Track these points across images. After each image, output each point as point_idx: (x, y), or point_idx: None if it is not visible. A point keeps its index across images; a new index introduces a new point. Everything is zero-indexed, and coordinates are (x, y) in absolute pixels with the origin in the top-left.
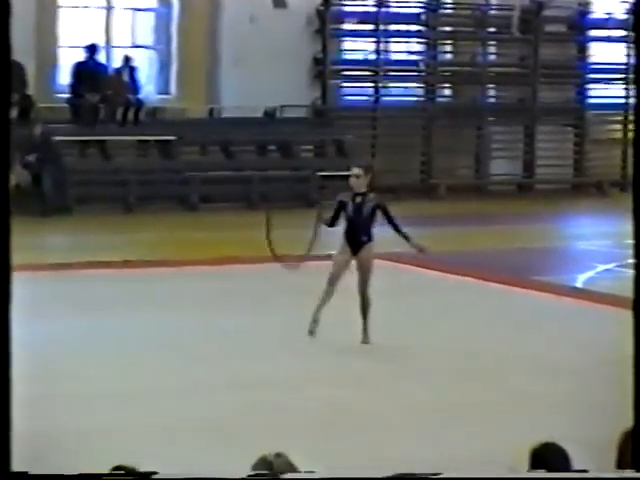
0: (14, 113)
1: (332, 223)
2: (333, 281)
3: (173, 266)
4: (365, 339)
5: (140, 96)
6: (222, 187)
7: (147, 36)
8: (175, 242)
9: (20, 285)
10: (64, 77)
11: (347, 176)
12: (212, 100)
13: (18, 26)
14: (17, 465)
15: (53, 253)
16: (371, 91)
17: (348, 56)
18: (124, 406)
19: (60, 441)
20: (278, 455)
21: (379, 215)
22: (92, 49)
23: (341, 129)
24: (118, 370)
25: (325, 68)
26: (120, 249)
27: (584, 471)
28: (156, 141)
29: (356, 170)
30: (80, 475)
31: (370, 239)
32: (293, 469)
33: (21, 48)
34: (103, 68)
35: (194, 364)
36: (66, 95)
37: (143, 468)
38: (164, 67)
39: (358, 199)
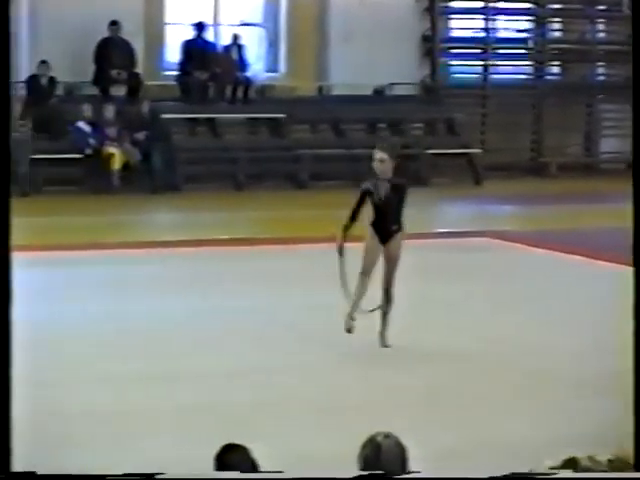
0: (123, 91)
1: (354, 216)
2: (367, 270)
3: (281, 244)
4: (384, 342)
5: (248, 74)
6: (332, 165)
7: (256, 14)
8: (284, 220)
9: (129, 262)
10: (172, 55)
11: (457, 154)
12: (321, 78)
13: (127, 5)
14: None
15: (162, 231)
16: (480, 69)
17: (457, 33)
18: (239, 384)
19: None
20: (387, 436)
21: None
22: (200, 27)
23: (451, 107)
24: (232, 348)
25: (434, 45)
26: (229, 227)
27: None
28: (266, 119)
29: (379, 154)
30: (81, 475)
31: (400, 228)
32: (402, 450)
33: (130, 26)
34: (212, 46)
35: (306, 343)
36: (175, 73)
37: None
38: (273, 45)
39: (384, 186)
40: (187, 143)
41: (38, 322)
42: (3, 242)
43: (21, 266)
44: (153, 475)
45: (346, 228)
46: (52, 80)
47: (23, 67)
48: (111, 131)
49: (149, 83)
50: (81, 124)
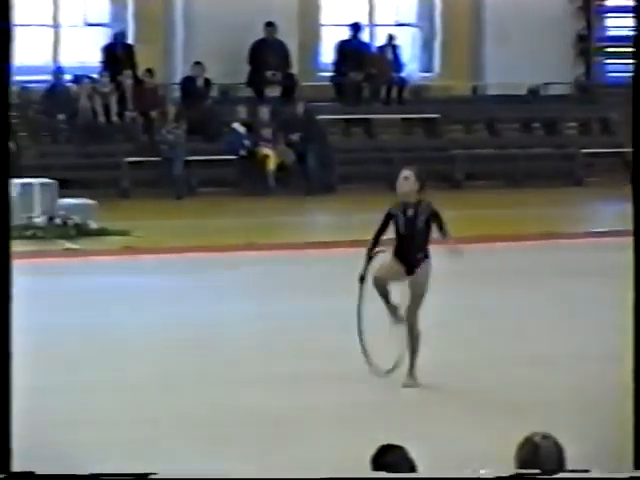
0: (278, 92)
1: (376, 241)
2: (379, 282)
3: (433, 244)
4: (409, 381)
5: (403, 74)
6: (486, 165)
7: (410, 14)
8: None
9: (284, 263)
10: (327, 55)
11: (612, 153)
12: (475, 77)
13: (281, 6)
14: None
15: (317, 232)
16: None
17: (612, 32)
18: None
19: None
20: (545, 437)
21: (434, 225)
22: (356, 27)
23: (606, 106)
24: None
25: (589, 45)
26: None
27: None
28: (420, 119)
29: (405, 172)
30: (80, 475)
31: (426, 256)
32: (560, 452)
33: (284, 27)
34: (367, 47)
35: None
36: (329, 73)
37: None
38: (427, 45)
39: (410, 211)
40: (342, 144)
41: (196, 323)
42: (3, 246)
43: (178, 268)
44: (146, 475)
45: (369, 256)
46: (207, 82)
47: (178, 69)
48: (266, 132)
49: (304, 84)
50: (236, 125)
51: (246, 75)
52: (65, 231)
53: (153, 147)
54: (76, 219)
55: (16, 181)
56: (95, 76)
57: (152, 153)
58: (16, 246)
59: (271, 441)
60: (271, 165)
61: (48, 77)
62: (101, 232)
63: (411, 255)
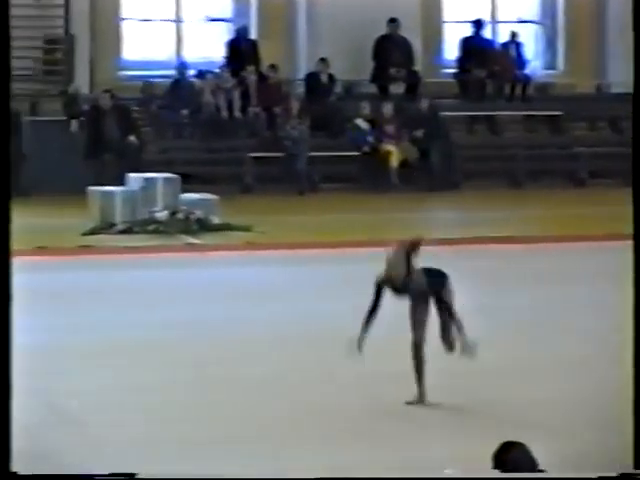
0: (401, 89)
1: (373, 311)
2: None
3: (559, 242)
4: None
5: (527, 71)
6: (611, 163)
7: (533, 10)
8: (561, 218)
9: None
10: (450, 52)
11: None
12: (599, 75)
13: (405, 3)
14: None
15: (440, 228)
16: None
17: None
18: (512, 381)
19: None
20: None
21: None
22: (478, 24)
23: None
24: (505, 345)
25: None
26: (506, 225)
27: None
28: (544, 116)
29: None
30: (80, 475)
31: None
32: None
33: (407, 25)
34: (490, 43)
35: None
36: (452, 70)
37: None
38: (551, 42)
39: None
40: (465, 140)
41: (317, 318)
42: (3, 245)
43: (300, 264)
44: (133, 475)
45: (367, 323)
46: (331, 78)
47: (302, 65)
48: (389, 129)
49: (427, 80)
50: (359, 121)
51: (370, 71)
52: (187, 226)
53: (276, 143)
54: (198, 214)
55: (139, 175)
56: (218, 71)
57: (275, 149)
58: (138, 240)
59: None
60: (394, 161)
61: (172, 72)
62: (223, 227)
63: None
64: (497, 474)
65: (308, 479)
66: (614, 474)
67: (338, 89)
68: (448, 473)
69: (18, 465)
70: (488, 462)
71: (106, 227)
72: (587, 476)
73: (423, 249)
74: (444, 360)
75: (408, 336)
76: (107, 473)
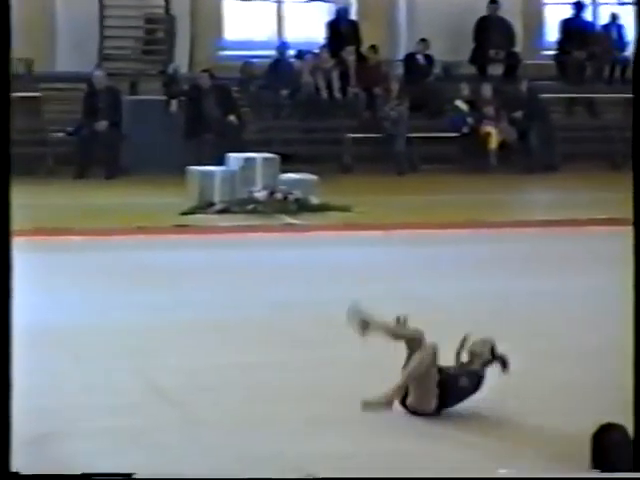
0: (500, 70)
1: None
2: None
3: None
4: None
5: (626, 54)
6: None
7: None
8: None
9: (505, 241)
10: (550, 34)
11: None
12: None
13: None
14: None
15: (537, 210)
16: None
17: None
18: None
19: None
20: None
21: None
22: (579, 6)
23: None
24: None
25: None
26: (605, 207)
27: None
28: None
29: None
30: (79, 475)
31: None
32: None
33: (508, 6)
34: (590, 25)
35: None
36: (552, 52)
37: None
38: None
39: None
40: (564, 122)
41: (417, 298)
42: (3, 232)
43: (399, 244)
44: (130, 475)
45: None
46: (430, 58)
47: (401, 45)
48: (489, 110)
49: (527, 62)
50: (459, 102)
51: (469, 52)
52: (286, 206)
53: (376, 123)
54: (297, 194)
55: (239, 155)
56: (318, 52)
57: (374, 129)
58: (237, 220)
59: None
60: (493, 143)
61: (272, 52)
62: (322, 207)
63: None
64: (506, 474)
65: (328, 479)
66: (614, 475)
67: (437, 70)
68: (502, 473)
69: (116, 443)
70: None
71: (205, 207)
72: (588, 476)
73: (522, 231)
74: None
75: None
76: (107, 472)
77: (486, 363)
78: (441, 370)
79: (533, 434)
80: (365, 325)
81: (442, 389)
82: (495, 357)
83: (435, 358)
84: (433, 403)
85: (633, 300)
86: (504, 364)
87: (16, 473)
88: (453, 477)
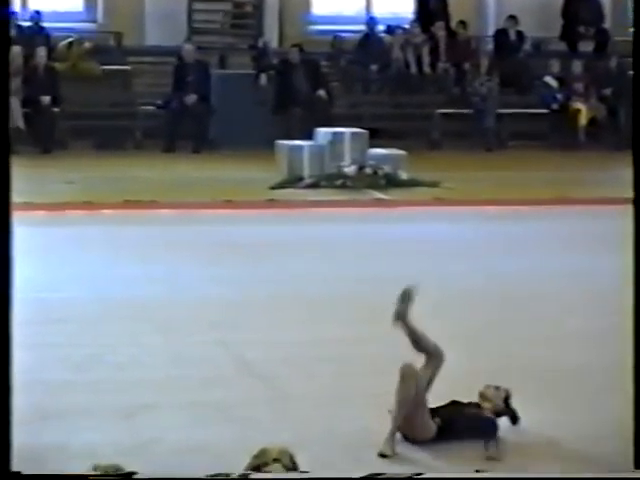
0: (590, 46)
1: None
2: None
3: None
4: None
5: None
6: None
7: None
8: None
9: (594, 217)
10: None
11: None
12: None
13: None
14: None
15: (625, 187)
16: None
17: None
18: None
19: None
20: None
21: None
22: None
23: None
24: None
25: None
26: None
27: None
28: None
29: None
30: (80, 475)
31: None
32: None
33: None
34: None
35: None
36: None
37: None
38: None
39: None
40: None
41: (503, 275)
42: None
43: (488, 220)
44: (131, 474)
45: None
46: (520, 35)
47: (490, 22)
48: (578, 86)
49: (616, 39)
50: (548, 79)
51: (559, 29)
52: (375, 181)
53: (465, 99)
54: (386, 169)
55: (328, 130)
56: (408, 27)
57: (464, 105)
58: (326, 195)
59: (568, 398)
60: (583, 119)
61: (361, 27)
62: (411, 183)
63: None
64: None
65: (339, 479)
66: (614, 475)
67: (527, 46)
68: None
69: (205, 416)
70: None
71: (294, 181)
72: (587, 476)
73: (611, 208)
74: None
75: None
76: (105, 473)
77: (499, 413)
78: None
79: None
80: (401, 316)
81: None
82: (508, 408)
83: (418, 384)
84: (432, 430)
85: (632, 311)
86: (514, 418)
87: (16, 473)
88: (453, 477)
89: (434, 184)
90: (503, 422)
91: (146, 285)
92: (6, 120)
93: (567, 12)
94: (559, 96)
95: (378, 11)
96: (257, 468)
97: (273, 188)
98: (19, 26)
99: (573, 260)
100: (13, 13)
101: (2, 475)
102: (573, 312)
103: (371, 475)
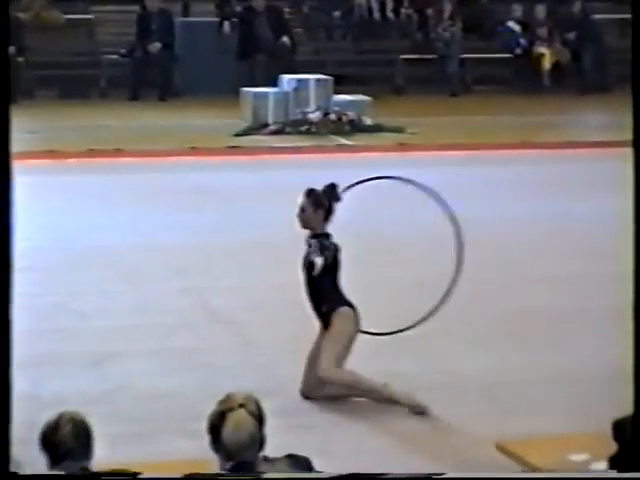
0: None
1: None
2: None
3: None
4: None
5: None
6: None
7: None
8: None
9: (556, 161)
10: None
11: None
12: None
13: None
14: None
15: (589, 131)
16: None
17: None
18: None
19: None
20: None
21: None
22: None
23: None
24: None
25: None
26: None
27: None
28: None
29: (301, 200)
30: (80, 475)
31: (333, 308)
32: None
33: None
34: None
35: None
36: None
37: None
38: None
39: (313, 245)
40: (617, 44)
41: (468, 220)
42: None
43: (451, 165)
44: (136, 474)
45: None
46: None
47: None
48: (541, 31)
49: None
50: (511, 24)
51: None
52: (340, 127)
53: (428, 44)
54: (350, 115)
55: (292, 77)
56: None
57: (427, 50)
58: (291, 141)
59: (544, 341)
60: (546, 64)
61: None
62: (375, 128)
63: (317, 305)
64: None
65: (339, 476)
66: (614, 475)
67: None
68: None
69: (168, 363)
70: None
71: (258, 127)
72: (587, 476)
73: (575, 152)
74: None
75: None
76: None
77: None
78: None
79: None
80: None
81: None
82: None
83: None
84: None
85: (632, 313)
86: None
87: (15, 473)
88: (453, 476)
89: (398, 130)
90: None
91: (111, 233)
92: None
93: None
94: (522, 41)
95: None
96: (222, 414)
97: (238, 135)
98: None
99: (536, 204)
100: None
101: (2, 475)
102: (539, 256)
103: (377, 475)
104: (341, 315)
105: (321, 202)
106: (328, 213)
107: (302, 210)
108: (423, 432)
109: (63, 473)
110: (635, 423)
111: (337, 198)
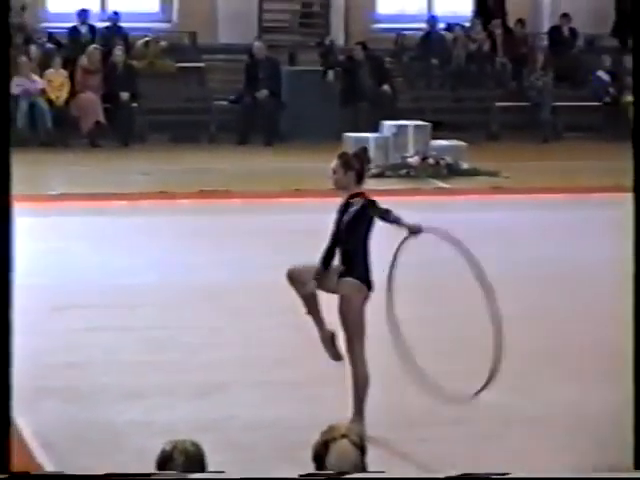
0: None
1: (327, 260)
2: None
3: None
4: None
5: None
6: None
7: None
8: None
9: None
10: None
11: None
12: None
13: None
14: None
15: None
16: None
17: None
18: None
19: None
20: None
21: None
22: None
23: None
24: None
25: None
26: None
27: None
28: None
29: (333, 163)
30: (80, 475)
31: (348, 272)
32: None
33: None
34: None
35: None
36: None
37: None
38: None
39: (342, 209)
40: None
41: (559, 260)
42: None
43: (545, 207)
44: (150, 475)
45: (317, 277)
46: (573, 31)
47: (545, 20)
48: (630, 80)
49: None
50: (601, 73)
51: (611, 26)
52: (437, 170)
53: (522, 93)
54: (448, 159)
55: (392, 123)
56: (467, 25)
57: (521, 98)
58: (391, 184)
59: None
60: None
61: (422, 25)
62: (471, 172)
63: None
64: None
65: (353, 478)
66: (614, 475)
67: (580, 42)
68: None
69: (277, 394)
70: None
71: None
72: (587, 476)
73: None
74: None
75: None
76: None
77: None
78: None
79: None
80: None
81: None
82: None
83: None
84: None
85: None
86: None
87: (15, 473)
88: (453, 476)
89: (493, 173)
90: None
91: (219, 271)
92: (7, 118)
93: (619, 9)
94: (611, 89)
95: (439, 10)
96: (326, 444)
97: None
98: (92, 27)
99: (627, 247)
100: (85, 12)
101: (2, 475)
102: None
103: (403, 478)
104: (352, 284)
105: (351, 164)
106: (360, 175)
107: (333, 172)
108: None
109: (63, 473)
110: (635, 424)
111: (368, 161)
